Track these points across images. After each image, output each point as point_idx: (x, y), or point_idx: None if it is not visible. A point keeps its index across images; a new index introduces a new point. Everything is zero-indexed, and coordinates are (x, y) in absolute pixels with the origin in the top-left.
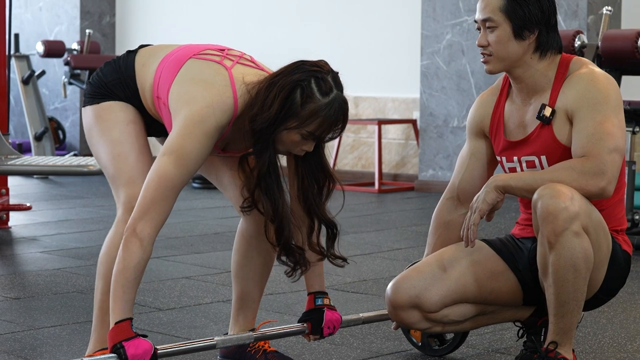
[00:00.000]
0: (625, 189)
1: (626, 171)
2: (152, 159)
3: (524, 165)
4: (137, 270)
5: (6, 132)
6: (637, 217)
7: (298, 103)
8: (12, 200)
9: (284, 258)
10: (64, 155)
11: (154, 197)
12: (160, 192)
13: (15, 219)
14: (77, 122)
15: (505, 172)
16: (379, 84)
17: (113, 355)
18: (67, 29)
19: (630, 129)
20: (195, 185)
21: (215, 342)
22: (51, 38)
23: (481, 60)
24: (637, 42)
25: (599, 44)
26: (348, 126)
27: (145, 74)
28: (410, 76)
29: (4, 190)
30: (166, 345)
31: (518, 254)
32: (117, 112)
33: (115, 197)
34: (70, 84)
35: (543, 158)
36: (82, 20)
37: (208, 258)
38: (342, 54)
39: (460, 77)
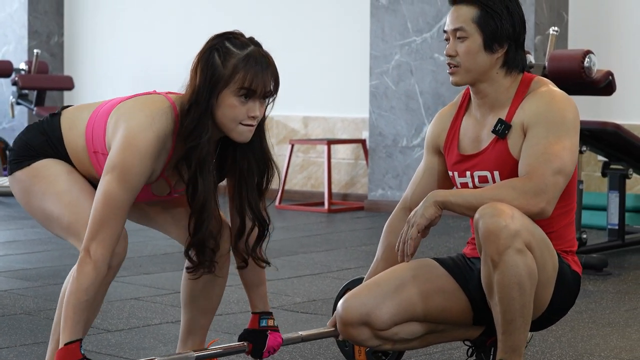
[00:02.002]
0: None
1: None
2: None
3: (476, 180)
4: (89, 293)
5: None
6: (584, 236)
7: (219, 63)
8: None
9: (191, 253)
10: None
11: (103, 217)
12: (108, 211)
13: None
14: None
15: (457, 187)
16: (328, 103)
17: None
18: (14, 48)
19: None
20: None
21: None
22: None
23: (447, 71)
24: (583, 62)
25: (546, 64)
26: (297, 146)
27: (75, 136)
28: (360, 96)
29: None
30: None
31: (468, 274)
32: (54, 167)
33: (76, 243)
34: (18, 104)
35: (496, 173)
36: (30, 39)
37: (157, 279)
38: (292, 74)
39: (409, 97)
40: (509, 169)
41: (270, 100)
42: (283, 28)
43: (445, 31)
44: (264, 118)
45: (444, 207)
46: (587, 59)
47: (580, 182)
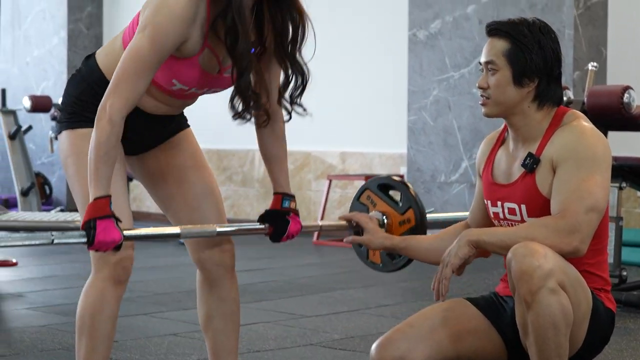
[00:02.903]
0: (613, 247)
1: (613, 227)
2: (128, 199)
3: (506, 211)
4: (108, 145)
5: None
6: (624, 273)
7: None
8: None
9: (236, 100)
10: (50, 210)
11: (126, 72)
12: (132, 66)
13: (1, 275)
14: (64, 177)
15: (490, 216)
16: (365, 139)
17: (82, 232)
18: (54, 83)
19: (617, 184)
20: (181, 241)
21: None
22: (38, 93)
23: (479, 102)
24: (622, 98)
25: (585, 100)
26: (335, 182)
27: (114, 57)
28: (397, 132)
29: None
30: (134, 233)
31: (502, 313)
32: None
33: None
34: (57, 138)
35: (523, 207)
36: (70, 75)
37: (195, 314)
38: (329, 109)
39: (447, 132)
40: (536, 204)
41: None
42: (321, 62)
43: (479, 63)
44: None
45: (477, 246)
46: (626, 95)
47: (620, 218)
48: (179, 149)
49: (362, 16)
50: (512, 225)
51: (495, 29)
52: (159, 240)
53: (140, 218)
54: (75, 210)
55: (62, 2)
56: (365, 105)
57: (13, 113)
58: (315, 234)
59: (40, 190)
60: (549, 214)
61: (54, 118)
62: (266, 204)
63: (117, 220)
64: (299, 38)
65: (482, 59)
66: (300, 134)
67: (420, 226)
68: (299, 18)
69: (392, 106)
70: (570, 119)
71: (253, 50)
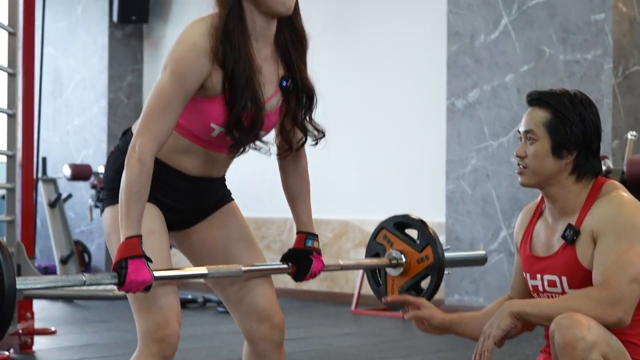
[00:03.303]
0: None
1: None
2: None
3: (545, 284)
4: (139, 184)
5: (32, 256)
6: None
7: None
8: (37, 324)
9: (234, 133)
10: None
11: (152, 111)
12: (158, 105)
13: (40, 343)
14: (103, 246)
15: (529, 288)
16: (404, 207)
17: (113, 274)
18: (94, 152)
19: None
20: (220, 309)
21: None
22: (78, 161)
23: (516, 171)
24: None
25: (624, 169)
26: None
27: None
28: (436, 200)
29: (28, 314)
30: (163, 274)
31: None
32: None
33: (136, 321)
34: (96, 207)
35: (564, 279)
36: (109, 143)
37: None
38: (368, 179)
39: (485, 201)
40: (577, 275)
41: None
42: (358, 131)
43: (518, 131)
44: None
45: (520, 317)
46: None
47: None
48: (225, 223)
49: (400, 85)
50: (552, 297)
51: (536, 99)
52: (195, 308)
53: (181, 286)
54: None
55: (103, 71)
56: (403, 173)
57: (53, 181)
58: (354, 302)
59: (79, 258)
60: (590, 285)
61: (93, 186)
62: None
63: (148, 260)
64: (304, 57)
65: (522, 128)
66: (338, 202)
67: (439, 263)
68: (303, 40)
69: (431, 175)
70: (608, 190)
71: (285, 82)
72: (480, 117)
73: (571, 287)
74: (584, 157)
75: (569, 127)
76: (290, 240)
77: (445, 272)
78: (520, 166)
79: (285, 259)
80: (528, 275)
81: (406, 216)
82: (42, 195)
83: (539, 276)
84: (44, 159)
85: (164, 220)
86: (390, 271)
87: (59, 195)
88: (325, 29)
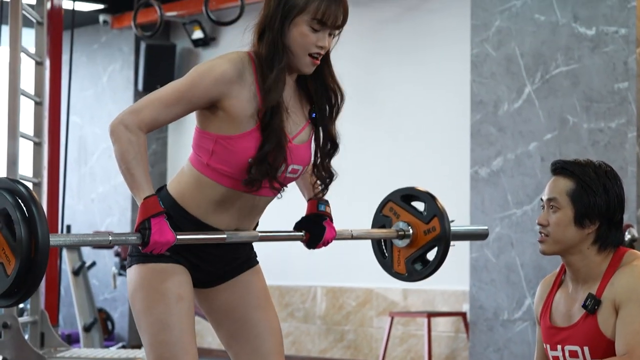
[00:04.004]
0: None
1: None
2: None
3: (567, 354)
4: (134, 149)
5: (56, 324)
6: None
7: None
8: None
9: (253, 170)
10: (112, 346)
11: (154, 99)
12: (161, 95)
13: None
14: (127, 313)
15: None
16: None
17: (137, 234)
18: (118, 220)
19: None
20: None
21: (225, 236)
22: (102, 229)
23: (538, 239)
24: None
25: None
26: (397, 319)
27: (183, 180)
28: (460, 268)
29: None
30: (184, 236)
31: None
32: (166, 282)
33: None
34: (120, 274)
35: (586, 349)
36: (134, 211)
37: None
38: None
39: (509, 269)
40: (599, 345)
41: (337, 33)
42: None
43: (541, 199)
44: (328, 50)
45: None
46: None
47: None
48: (247, 287)
49: (425, 153)
50: None
51: (561, 168)
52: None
53: (202, 354)
54: (138, 346)
55: None
56: None
57: (77, 249)
58: None
59: (102, 326)
60: (613, 355)
61: (117, 254)
62: (328, 340)
63: (169, 217)
64: (333, 111)
65: (545, 196)
66: (362, 270)
67: (446, 233)
68: (335, 94)
69: (455, 243)
70: (629, 259)
71: (315, 114)
72: (504, 186)
73: (593, 358)
74: (606, 228)
75: (593, 197)
76: (314, 308)
77: (451, 244)
78: (542, 234)
79: (298, 226)
80: (548, 346)
81: (413, 188)
82: (66, 263)
83: (559, 347)
84: (69, 227)
85: (192, 285)
86: (397, 242)
87: (83, 263)
88: (350, 96)
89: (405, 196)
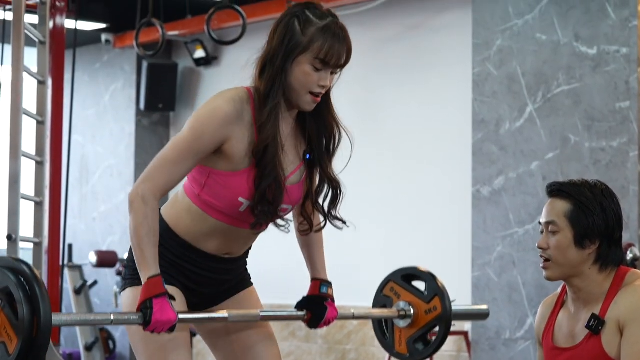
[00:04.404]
0: None
1: None
2: None
3: None
4: (148, 224)
5: (57, 343)
6: None
7: (298, 30)
8: None
9: (257, 212)
10: None
11: (164, 158)
12: (171, 153)
13: None
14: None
15: None
16: None
17: (139, 313)
18: (120, 239)
19: None
20: None
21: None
22: (104, 248)
23: (540, 265)
24: None
25: None
26: None
27: (177, 206)
28: (462, 287)
29: None
30: (188, 316)
31: None
32: None
33: None
34: (120, 294)
35: None
36: None
37: None
38: (393, 266)
39: (512, 288)
40: None
41: (339, 71)
42: (384, 218)
43: (540, 223)
44: (330, 88)
45: None
46: None
47: None
48: (242, 308)
49: (426, 172)
50: None
51: (557, 190)
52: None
53: None
54: None
55: (129, 158)
56: (429, 261)
57: (79, 268)
58: None
59: (104, 345)
60: None
61: (119, 273)
62: (330, 359)
63: (172, 298)
64: (331, 150)
65: (543, 219)
66: (364, 289)
67: (447, 313)
68: (333, 133)
69: (457, 262)
70: (632, 279)
71: (309, 156)
72: (506, 205)
73: None
74: (607, 246)
75: (591, 217)
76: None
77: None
78: (544, 259)
79: (300, 306)
80: None
81: (414, 268)
82: (68, 282)
83: None
84: (70, 246)
85: (186, 306)
86: (398, 322)
87: (85, 282)
88: (352, 115)
89: (406, 276)
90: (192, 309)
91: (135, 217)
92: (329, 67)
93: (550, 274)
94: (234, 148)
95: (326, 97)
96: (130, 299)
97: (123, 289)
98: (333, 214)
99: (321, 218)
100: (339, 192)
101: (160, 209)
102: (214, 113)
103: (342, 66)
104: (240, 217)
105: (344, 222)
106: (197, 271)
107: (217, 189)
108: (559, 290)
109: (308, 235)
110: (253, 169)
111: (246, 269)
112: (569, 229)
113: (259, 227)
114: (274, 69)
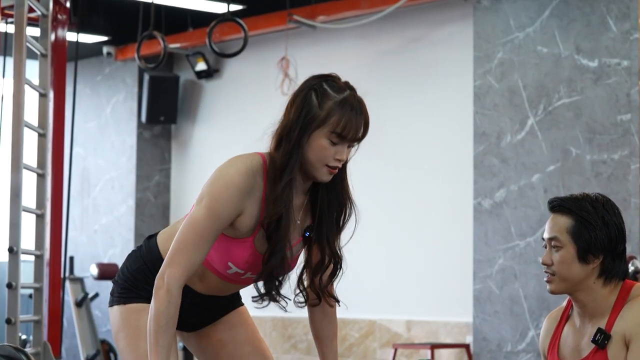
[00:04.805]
0: None
1: None
2: None
3: None
4: (167, 315)
5: (58, 355)
6: None
7: (315, 104)
8: None
9: (264, 289)
10: None
11: (183, 243)
12: (189, 237)
13: None
14: None
15: None
16: (431, 307)
17: None
18: (121, 251)
19: None
20: None
21: None
22: (105, 260)
23: (544, 279)
24: None
25: None
26: (400, 350)
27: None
28: (463, 300)
29: None
30: None
31: None
32: (144, 319)
33: None
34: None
35: None
36: (137, 242)
37: None
38: (394, 277)
39: (513, 301)
40: None
41: (356, 144)
42: (385, 231)
43: (543, 239)
44: (346, 160)
45: None
46: None
47: None
48: (230, 325)
49: (427, 184)
50: None
51: (558, 205)
52: None
53: None
54: None
55: (131, 171)
56: (430, 273)
57: (80, 280)
58: None
59: (105, 357)
60: None
61: (114, 283)
62: None
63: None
64: (340, 225)
65: (546, 235)
66: (365, 302)
67: None
68: (344, 208)
69: (458, 274)
70: (637, 293)
71: (308, 234)
72: (507, 217)
73: None
74: (610, 260)
75: (593, 231)
76: None
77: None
78: (548, 274)
79: None
80: None
81: None
82: (69, 294)
83: None
84: (72, 258)
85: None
86: None
87: (86, 294)
88: None
89: None
90: (182, 329)
91: (158, 305)
92: (346, 141)
93: (554, 288)
94: (242, 222)
95: (342, 171)
96: (117, 317)
97: (111, 305)
98: (329, 290)
99: (314, 295)
100: (339, 268)
101: (157, 235)
102: (229, 189)
103: (360, 140)
104: (229, 276)
105: (338, 302)
106: (182, 303)
107: (213, 247)
108: (564, 304)
109: (318, 307)
110: (252, 241)
111: (237, 294)
112: (571, 245)
113: (261, 301)
114: (290, 142)
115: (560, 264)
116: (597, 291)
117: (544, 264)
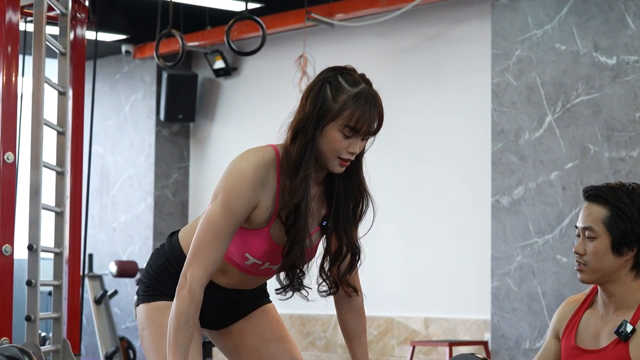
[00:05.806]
0: None
1: None
2: None
3: None
4: (188, 314)
5: (78, 352)
6: None
7: (329, 97)
8: None
9: (285, 281)
10: None
11: (202, 241)
12: (208, 235)
13: None
14: None
15: None
16: (449, 305)
17: None
18: (140, 249)
19: None
20: None
21: None
22: (124, 258)
23: (575, 267)
24: None
25: None
26: (418, 348)
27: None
28: (481, 297)
29: None
30: None
31: None
32: (168, 316)
33: None
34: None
35: None
36: (155, 240)
37: None
38: (413, 275)
39: (531, 298)
40: None
41: (372, 137)
42: (403, 228)
43: (576, 227)
44: (362, 151)
45: None
46: None
47: None
48: (259, 323)
49: (446, 182)
50: None
51: (594, 195)
52: None
53: None
54: None
55: (149, 169)
56: (448, 271)
57: (99, 278)
58: None
59: (124, 354)
60: None
61: (138, 283)
62: None
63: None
64: (357, 216)
65: (580, 224)
66: (383, 299)
67: None
68: (361, 199)
69: (476, 272)
70: None
71: (325, 222)
72: (526, 214)
73: None
74: None
75: (629, 223)
76: (335, 337)
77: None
78: (580, 263)
79: None
80: None
81: (473, 356)
82: (88, 292)
83: None
84: (91, 256)
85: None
86: None
87: (105, 291)
88: None
89: None
90: (207, 327)
91: (179, 304)
92: (359, 135)
93: (585, 278)
94: (257, 214)
95: (357, 163)
96: (143, 315)
97: (137, 304)
98: (347, 280)
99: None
100: (357, 258)
101: (178, 232)
102: (242, 184)
103: (373, 133)
104: (248, 267)
105: (356, 291)
106: (207, 300)
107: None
108: (589, 290)
109: (344, 300)
110: (268, 231)
111: (264, 291)
112: (606, 236)
113: (284, 292)
114: (306, 136)
115: (593, 254)
116: (627, 284)
117: (576, 252)
